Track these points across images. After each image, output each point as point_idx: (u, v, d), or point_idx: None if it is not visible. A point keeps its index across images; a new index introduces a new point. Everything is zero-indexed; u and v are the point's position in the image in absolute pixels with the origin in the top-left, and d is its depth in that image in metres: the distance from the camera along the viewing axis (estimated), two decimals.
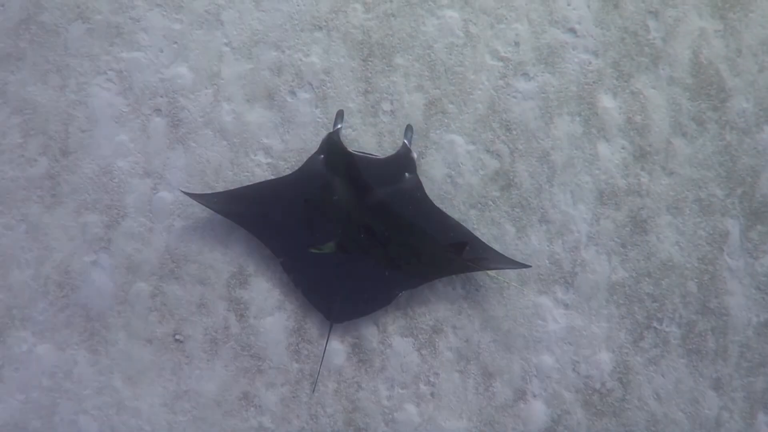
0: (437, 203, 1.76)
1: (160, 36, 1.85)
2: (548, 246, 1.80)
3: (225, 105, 1.82)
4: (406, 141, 1.70)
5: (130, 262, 1.74)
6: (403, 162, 1.68)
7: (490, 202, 1.80)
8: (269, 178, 1.76)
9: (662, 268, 1.82)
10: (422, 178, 1.76)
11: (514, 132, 1.84)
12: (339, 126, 1.68)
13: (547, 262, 1.79)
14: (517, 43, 1.88)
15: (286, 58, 1.84)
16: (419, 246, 1.67)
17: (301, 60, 1.84)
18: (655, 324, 1.79)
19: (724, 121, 1.89)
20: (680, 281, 1.82)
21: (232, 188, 1.71)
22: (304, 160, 1.73)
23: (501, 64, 1.86)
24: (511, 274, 1.77)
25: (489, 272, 1.75)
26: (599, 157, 1.84)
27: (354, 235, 1.66)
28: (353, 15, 1.86)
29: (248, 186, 1.71)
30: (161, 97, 1.82)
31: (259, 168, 1.79)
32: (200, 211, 1.76)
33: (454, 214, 1.78)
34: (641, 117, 1.87)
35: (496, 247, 1.77)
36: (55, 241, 1.75)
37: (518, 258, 1.77)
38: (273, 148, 1.80)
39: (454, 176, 1.81)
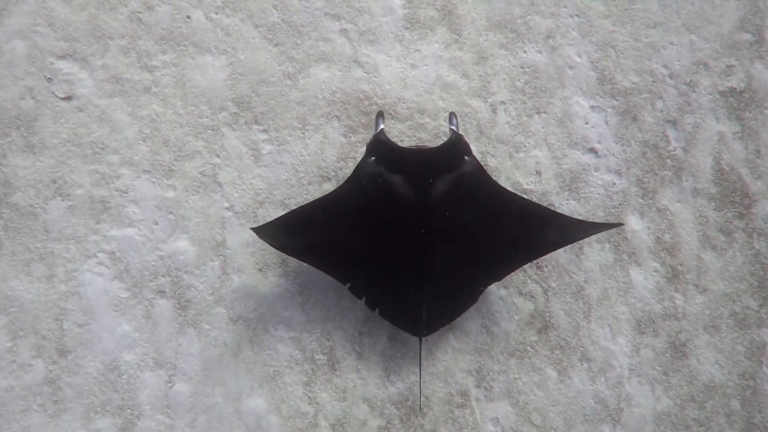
0: (474, 356, 1.69)
1: (152, 207, 1.67)
2: (591, 385, 1.73)
3: (235, 278, 1.66)
4: (453, 128, 1.54)
5: None
6: (459, 146, 1.51)
7: (529, 348, 1.72)
8: (316, 198, 1.55)
9: (705, 390, 1.78)
10: (456, 332, 1.68)
11: (545, 269, 1.75)
12: (382, 126, 1.52)
13: (592, 402, 1.73)
14: (538, 172, 1.78)
15: None
16: (498, 232, 1.52)
17: None
18: None
19: (751, 229, 1.84)
20: (723, 401, 1.78)
21: (280, 215, 1.53)
22: (330, 331, 1.61)
23: (525, 197, 1.76)
24: (557, 420, 1.70)
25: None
26: (633, 284, 1.77)
27: (426, 235, 1.48)
28: None
29: (296, 210, 1.52)
30: (163, 276, 1.65)
31: (282, 344, 1.65)
32: (223, 401, 1.62)
33: (494, 365, 1.69)
34: (670, 235, 1.80)
35: (539, 394, 1.70)
36: None
37: (562, 403, 1.71)
38: (294, 319, 1.66)
39: (489, 325, 1.71)
